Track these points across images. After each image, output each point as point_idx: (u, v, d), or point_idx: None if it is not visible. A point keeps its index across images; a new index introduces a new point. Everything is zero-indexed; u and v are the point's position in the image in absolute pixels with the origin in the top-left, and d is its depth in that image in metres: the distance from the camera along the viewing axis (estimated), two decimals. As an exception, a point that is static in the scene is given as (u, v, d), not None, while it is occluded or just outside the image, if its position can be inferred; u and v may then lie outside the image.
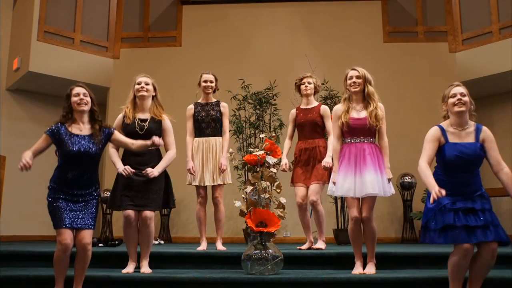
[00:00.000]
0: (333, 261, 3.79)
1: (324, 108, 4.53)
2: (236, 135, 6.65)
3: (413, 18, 7.92)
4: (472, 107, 3.02)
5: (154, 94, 3.78)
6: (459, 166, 2.90)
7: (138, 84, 3.73)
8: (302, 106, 4.63)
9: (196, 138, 4.57)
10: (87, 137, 3.06)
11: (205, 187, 4.52)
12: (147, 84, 3.73)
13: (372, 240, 3.44)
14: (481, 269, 2.92)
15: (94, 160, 3.08)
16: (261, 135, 4.30)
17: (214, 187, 4.49)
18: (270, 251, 3.34)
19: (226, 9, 8.18)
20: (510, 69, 6.66)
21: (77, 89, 3.11)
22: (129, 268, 3.52)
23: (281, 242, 6.34)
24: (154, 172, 3.49)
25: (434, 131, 3.02)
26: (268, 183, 3.55)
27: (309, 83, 4.58)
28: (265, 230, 3.34)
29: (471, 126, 3.00)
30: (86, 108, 3.09)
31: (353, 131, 3.46)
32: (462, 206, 2.83)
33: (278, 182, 3.63)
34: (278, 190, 3.61)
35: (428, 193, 2.93)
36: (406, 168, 6.92)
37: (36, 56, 7.11)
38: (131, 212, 3.50)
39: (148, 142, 3.26)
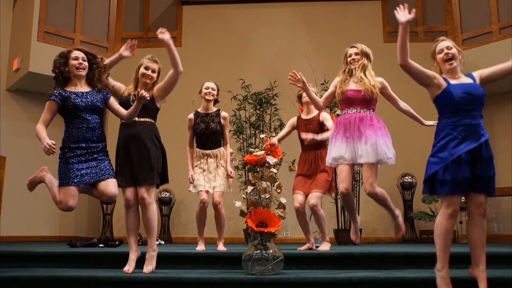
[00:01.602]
0: (333, 261, 3.79)
1: (323, 114, 4.40)
2: (237, 135, 6.66)
3: (413, 18, 7.92)
4: (461, 56, 3.03)
5: (156, 80, 3.70)
6: (468, 104, 2.83)
7: (146, 69, 3.60)
8: (303, 116, 4.53)
9: (197, 149, 4.56)
10: (89, 92, 3.14)
11: (206, 193, 4.52)
12: (154, 71, 3.64)
13: (386, 203, 3.59)
14: (478, 232, 2.82)
15: (99, 113, 3.16)
16: (262, 135, 4.31)
17: (215, 193, 4.49)
18: (271, 251, 3.34)
19: (226, 9, 8.19)
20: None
21: (76, 53, 3.14)
22: (129, 266, 3.43)
23: (281, 242, 6.34)
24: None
25: (439, 75, 3.00)
26: (269, 183, 3.55)
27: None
28: (266, 230, 3.34)
29: (462, 75, 3.00)
30: (84, 73, 3.15)
31: (350, 101, 3.53)
32: (471, 148, 2.76)
33: (278, 182, 3.63)
34: (279, 190, 3.61)
35: (436, 145, 2.87)
36: (406, 168, 6.93)
37: (36, 56, 7.12)
38: (129, 193, 3.41)
39: (142, 94, 3.16)
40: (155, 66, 3.66)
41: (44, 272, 3.48)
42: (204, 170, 4.47)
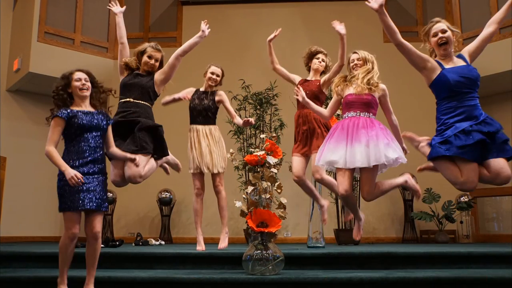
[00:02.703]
0: (334, 261, 3.79)
1: (325, 78, 4.45)
2: (237, 135, 6.66)
3: (413, 18, 7.93)
4: (454, 38, 3.02)
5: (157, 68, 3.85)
6: (464, 87, 2.84)
7: (149, 57, 3.81)
8: (307, 78, 4.58)
9: (190, 125, 4.61)
10: (93, 113, 3.07)
11: (201, 179, 4.57)
12: (157, 61, 3.82)
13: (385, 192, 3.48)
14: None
15: (103, 134, 3.08)
16: (262, 136, 4.30)
17: (213, 176, 4.52)
18: (271, 251, 3.34)
19: (227, 10, 8.19)
20: (510, 69, 6.67)
21: (79, 74, 3.11)
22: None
23: (282, 242, 6.34)
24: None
25: (432, 59, 2.99)
26: (269, 184, 3.56)
27: (323, 60, 4.53)
28: (266, 231, 3.34)
29: (454, 56, 3.02)
30: (88, 93, 3.10)
31: (350, 105, 3.46)
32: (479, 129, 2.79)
33: (278, 183, 3.64)
34: (279, 191, 3.61)
35: (440, 128, 2.89)
36: (406, 168, 6.90)
37: (37, 57, 7.12)
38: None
39: (128, 155, 3.29)
40: (158, 55, 3.83)
41: (44, 272, 3.48)
42: (200, 152, 4.47)
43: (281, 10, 8.13)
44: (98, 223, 2.96)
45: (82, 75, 3.10)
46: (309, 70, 4.65)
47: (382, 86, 3.51)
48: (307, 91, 4.33)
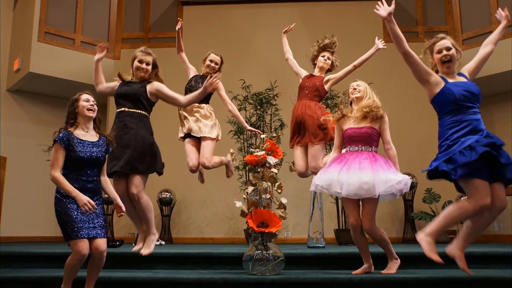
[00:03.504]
0: (334, 261, 3.79)
1: (328, 76, 4.48)
2: (237, 135, 6.66)
3: (414, 18, 7.92)
4: (459, 56, 3.01)
5: (151, 72, 3.75)
6: (468, 101, 2.84)
7: (140, 62, 3.71)
8: (313, 73, 4.59)
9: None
10: (94, 143, 3.00)
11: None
12: (148, 64, 3.71)
13: (384, 245, 3.39)
14: (485, 223, 2.85)
15: (100, 166, 3.03)
16: (262, 136, 4.29)
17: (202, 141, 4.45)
18: (271, 251, 3.34)
19: (227, 10, 8.19)
20: (510, 69, 6.67)
21: (87, 96, 3.06)
22: (138, 245, 3.72)
23: (282, 242, 6.34)
24: None
25: (435, 73, 2.99)
26: (269, 184, 3.56)
27: (328, 58, 4.53)
28: (266, 231, 3.34)
29: (456, 74, 3.01)
30: (94, 115, 3.04)
31: (350, 139, 3.38)
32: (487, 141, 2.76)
33: (279, 183, 3.63)
34: (279, 191, 3.61)
35: (443, 143, 2.86)
36: (406, 168, 6.90)
37: (37, 57, 7.12)
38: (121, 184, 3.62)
39: (114, 200, 3.13)
40: (149, 58, 3.71)
41: (44, 272, 3.49)
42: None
43: (282, 10, 8.13)
44: (103, 243, 2.91)
45: (90, 97, 3.06)
46: (314, 66, 4.64)
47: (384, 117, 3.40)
48: (309, 85, 4.37)
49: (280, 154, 3.74)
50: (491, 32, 7.07)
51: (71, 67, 7.36)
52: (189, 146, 4.46)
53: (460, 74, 3.03)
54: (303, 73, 4.65)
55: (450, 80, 2.93)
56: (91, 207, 2.79)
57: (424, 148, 5.76)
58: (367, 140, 3.33)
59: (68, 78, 7.28)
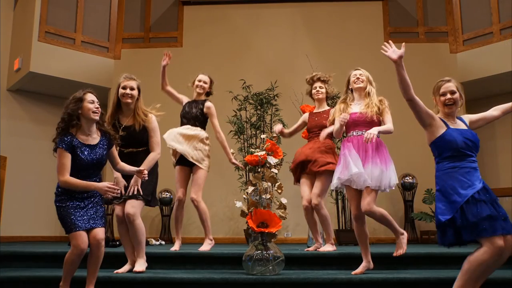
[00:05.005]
0: (334, 262, 3.79)
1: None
2: (237, 135, 6.66)
3: (414, 18, 7.92)
4: (461, 101, 3.03)
5: (137, 97, 3.58)
6: (468, 149, 2.85)
7: (123, 88, 3.53)
8: (314, 110, 4.59)
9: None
10: (96, 146, 2.99)
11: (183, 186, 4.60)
12: (132, 89, 3.53)
13: (387, 223, 3.52)
14: (492, 267, 2.80)
15: (102, 166, 3.05)
16: (262, 136, 4.29)
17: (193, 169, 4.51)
18: (271, 251, 3.34)
19: (227, 10, 8.19)
20: (511, 70, 6.66)
21: (92, 96, 2.99)
22: (123, 268, 3.50)
23: (282, 242, 6.34)
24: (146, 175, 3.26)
25: (437, 116, 3.01)
26: (269, 184, 3.56)
27: (320, 87, 4.51)
28: (266, 231, 3.34)
29: (455, 116, 3.02)
30: (98, 117, 2.99)
31: (354, 124, 3.51)
32: (487, 198, 2.73)
33: (279, 183, 3.63)
34: (279, 191, 3.61)
35: (444, 190, 2.83)
36: (407, 168, 6.91)
37: (37, 56, 7.12)
38: (118, 209, 3.61)
39: (135, 169, 3.17)
40: (132, 83, 3.55)
41: (45, 272, 3.49)
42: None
43: (282, 10, 8.13)
44: (100, 232, 2.93)
45: (95, 98, 3.00)
46: (313, 99, 4.62)
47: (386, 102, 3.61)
48: (317, 125, 4.40)
49: (280, 154, 3.74)
50: (491, 32, 7.07)
51: (72, 67, 7.37)
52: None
53: (460, 119, 3.04)
54: (305, 118, 4.60)
55: (451, 125, 2.95)
56: (113, 189, 2.86)
57: (425, 149, 5.74)
58: (371, 124, 3.47)
59: (68, 77, 7.29)
